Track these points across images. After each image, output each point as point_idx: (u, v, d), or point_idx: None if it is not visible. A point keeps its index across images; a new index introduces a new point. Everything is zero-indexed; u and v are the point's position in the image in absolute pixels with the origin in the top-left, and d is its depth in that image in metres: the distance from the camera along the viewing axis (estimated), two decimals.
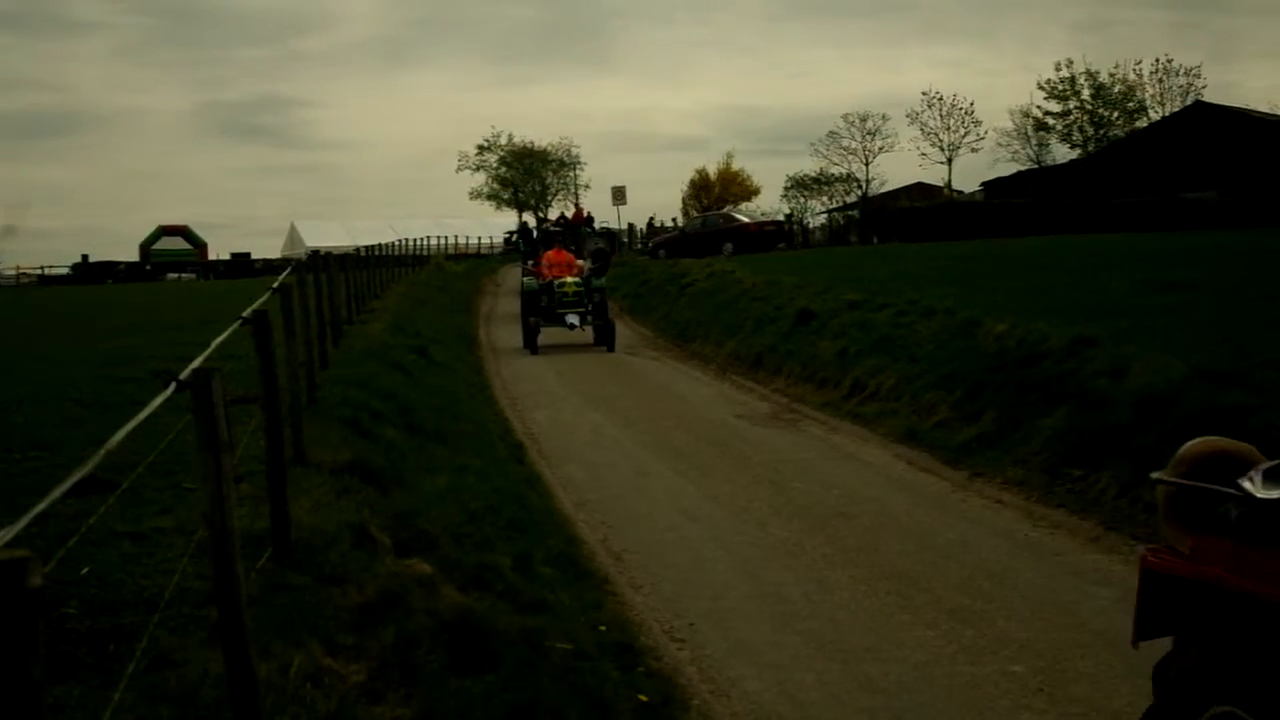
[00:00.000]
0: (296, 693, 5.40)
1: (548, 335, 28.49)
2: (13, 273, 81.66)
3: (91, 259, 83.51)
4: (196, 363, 5.08)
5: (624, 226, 69.58)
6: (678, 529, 11.80)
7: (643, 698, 7.32)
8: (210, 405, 4.78)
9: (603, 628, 8.61)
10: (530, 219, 67.35)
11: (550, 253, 31.24)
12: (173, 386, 4.80)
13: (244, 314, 7.83)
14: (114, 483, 7.89)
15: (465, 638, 6.93)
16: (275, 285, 11.38)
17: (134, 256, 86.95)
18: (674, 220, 77.47)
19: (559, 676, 6.92)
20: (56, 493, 3.30)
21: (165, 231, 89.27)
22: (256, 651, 5.08)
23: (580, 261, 31.22)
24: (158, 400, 4.74)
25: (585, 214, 50.35)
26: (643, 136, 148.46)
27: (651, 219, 76.46)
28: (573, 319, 28.54)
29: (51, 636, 5.99)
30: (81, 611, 6.44)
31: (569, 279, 29.26)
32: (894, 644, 8.40)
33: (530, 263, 33.22)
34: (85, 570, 7.10)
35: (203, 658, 5.70)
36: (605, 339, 28.09)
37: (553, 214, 57.32)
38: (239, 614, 4.87)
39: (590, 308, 28.84)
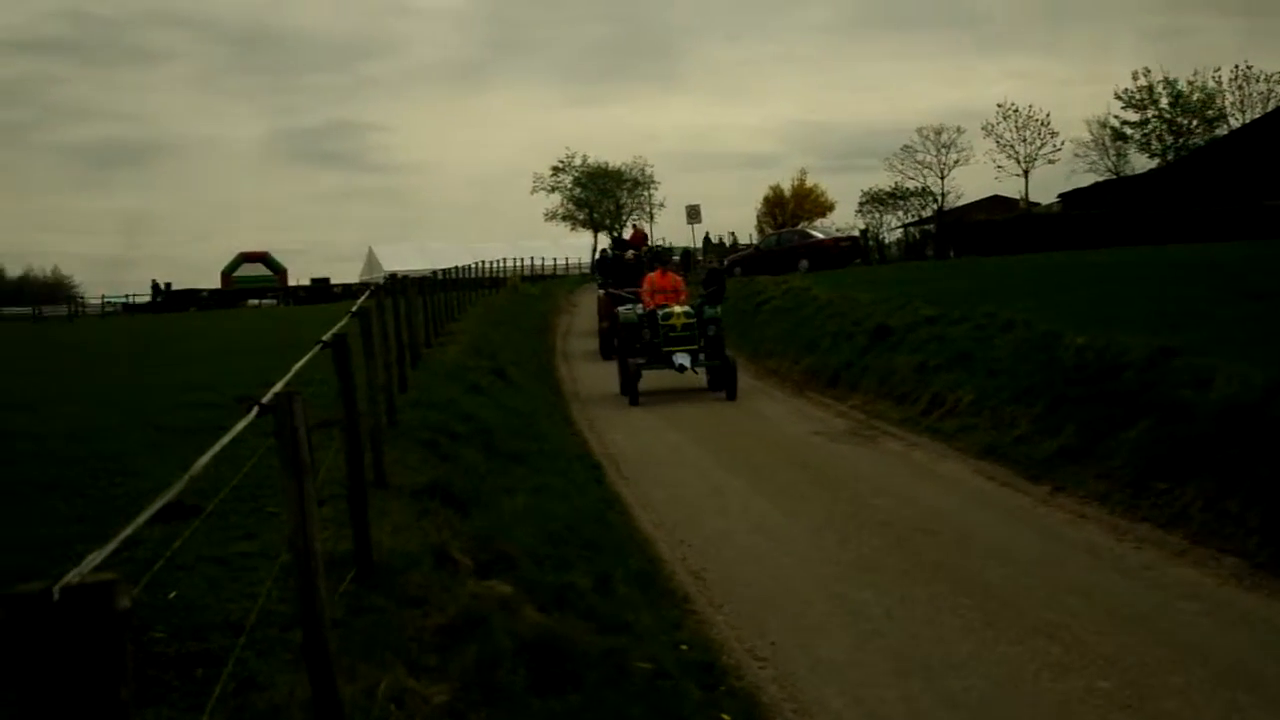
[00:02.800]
0: (381, 714, 5.43)
1: (648, 379, 23.41)
2: (98, 301, 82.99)
3: (175, 286, 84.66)
4: (278, 387, 5.13)
5: (698, 245, 69.55)
6: (757, 547, 11.76)
7: (725, 717, 7.30)
8: (293, 429, 4.84)
9: (684, 647, 8.59)
10: (606, 240, 67.12)
11: (654, 274, 25.93)
12: (255, 410, 4.87)
13: (324, 338, 7.90)
14: (199, 508, 8.00)
15: (546, 658, 6.95)
16: (354, 309, 11.48)
17: (215, 283, 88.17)
18: (750, 238, 77.36)
19: (640, 696, 6.91)
20: (143, 517, 3.35)
21: (246, 258, 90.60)
22: (341, 673, 5.13)
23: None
24: (241, 424, 4.80)
25: (642, 233, 49.00)
26: (714, 155, 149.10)
27: (708, 236, 75.40)
28: (683, 359, 23.07)
29: (139, 660, 6.07)
30: (168, 635, 6.52)
31: (677, 308, 23.74)
32: (977, 660, 8.32)
33: (622, 290, 29.54)
34: (172, 595, 7.20)
35: (288, 680, 5.75)
36: (724, 383, 22.70)
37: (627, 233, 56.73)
38: (323, 636, 4.92)
39: (703, 344, 23.43)
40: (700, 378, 23.59)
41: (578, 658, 7.10)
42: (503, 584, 8.36)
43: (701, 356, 23.24)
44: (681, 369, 23.01)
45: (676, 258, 30.03)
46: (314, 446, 8.66)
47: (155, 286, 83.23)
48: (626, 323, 24.67)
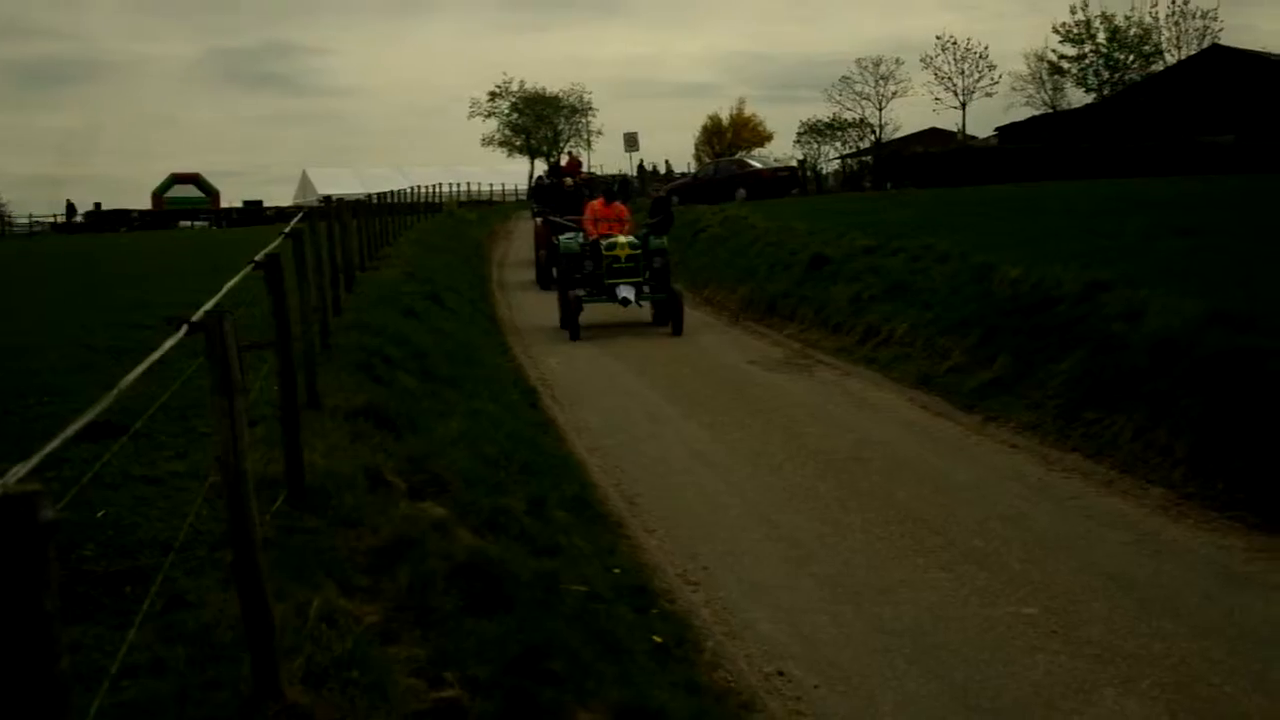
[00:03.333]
0: (312, 633, 5.41)
1: (589, 312, 22.08)
2: (26, 221, 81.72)
3: (106, 206, 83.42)
4: (209, 305, 5.06)
5: (634, 173, 69.21)
6: (691, 473, 11.81)
7: (657, 639, 7.35)
8: (223, 347, 4.77)
9: (617, 571, 8.63)
10: (543, 167, 66.12)
11: (595, 203, 24.58)
12: (184, 329, 4.79)
13: (255, 258, 7.80)
14: (129, 427, 7.93)
15: (479, 580, 6.94)
16: (287, 230, 11.34)
17: (147, 204, 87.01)
18: (688, 166, 77.16)
19: (573, 618, 6.93)
20: (69, 431, 3.30)
21: (177, 180, 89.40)
22: (272, 593, 5.09)
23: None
24: (170, 342, 4.73)
25: (577, 161, 47.68)
26: (653, 83, 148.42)
27: (641, 164, 74.22)
28: (626, 291, 21.77)
29: (68, 578, 6.02)
30: (98, 554, 6.47)
31: (621, 238, 22.41)
32: (908, 586, 8.41)
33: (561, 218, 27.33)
34: (101, 513, 7.13)
35: (218, 599, 5.72)
36: (669, 316, 21.64)
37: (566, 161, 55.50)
38: (254, 555, 4.88)
39: (648, 276, 22.24)
40: (644, 311, 22.60)
41: (510, 580, 7.10)
42: (436, 506, 8.34)
43: (646, 289, 22.10)
44: (625, 302, 21.78)
45: (615, 186, 28.39)
46: (246, 368, 8.59)
47: (70, 207, 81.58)
48: (567, 252, 23.08)
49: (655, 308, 22.37)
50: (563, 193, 32.95)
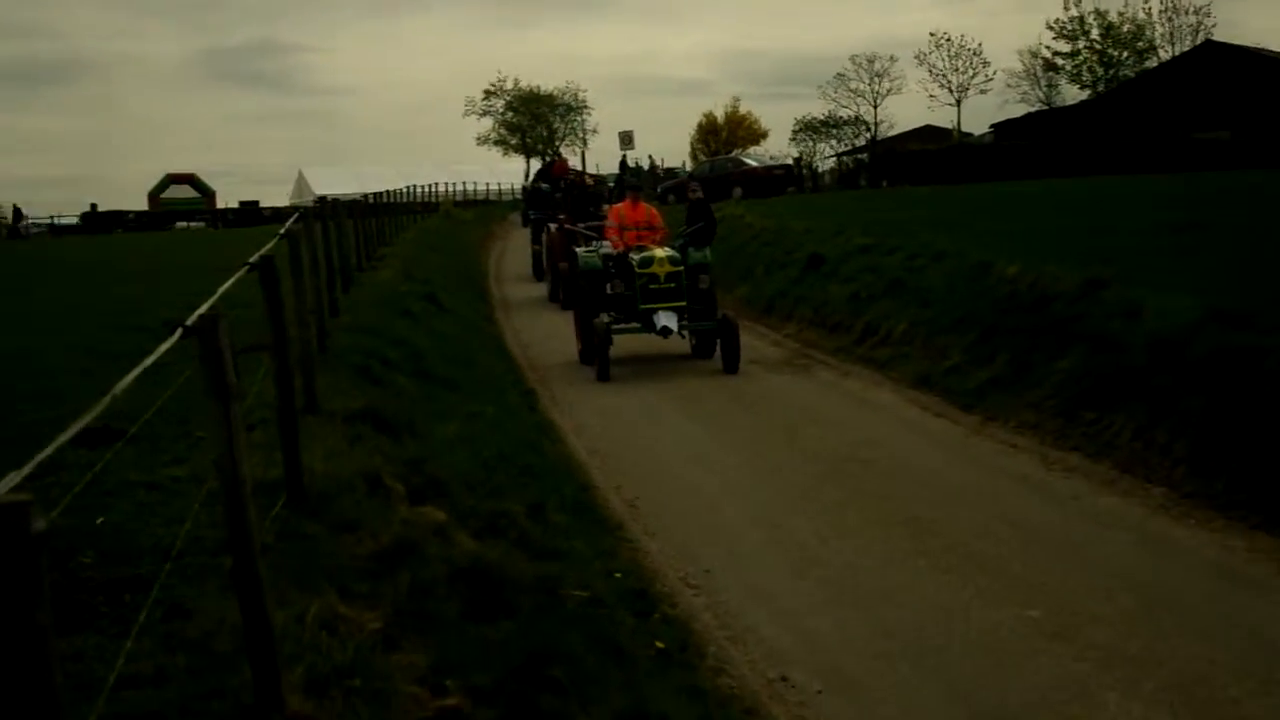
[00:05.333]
0: (312, 640, 5.37)
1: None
2: (25, 222, 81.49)
3: (100, 208, 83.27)
4: (203, 309, 5.02)
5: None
6: (691, 476, 11.78)
7: (659, 644, 7.32)
8: (217, 351, 4.74)
9: (618, 575, 8.60)
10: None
11: (620, 205, 20.02)
12: (179, 333, 4.76)
13: (250, 260, 7.76)
14: (127, 432, 7.89)
15: (480, 585, 6.91)
16: (283, 231, 11.30)
17: (143, 205, 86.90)
18: (684, 164, 77.07)
19: (574, 623, 6.90)
20: (62, 438, 3.27)
21: (173, 180, 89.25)
22: (272, 599, 5.06)
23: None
24: (164, 346, 4.70)
25: (566, 163, 41.96)
26: (646, 80, 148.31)
27: (624, 160, 71.05)
28: (667, 320, 17.57)
29: (67, 586, 5.98)
30: (97, 561, 6.43)
31: (659, 251, 18.11)
32: (909, 589, 8.38)
33: (550, 227, 24.95)
34: (100, 520, 7.09)
35: (218, 606, 5.68)
36: (722, 350, 17.44)
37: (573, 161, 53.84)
38: (253, 561, 4.85)
39: (691, 299, 17.95)
40: (683, 341, 18.61)
41: (511, 585, 7.07)
42: (436, 510, 8.30)
43: (684, 317, 17.84)
44: (666, 333, 17.58)
45: (611, 184, 26.66)
46: (243, 371, 8.54)
47: (17, 212, 79.82)
48: (588, 270, 18.89)
49: (698, 338, 18.50)
50: (574, 194, 28.70)
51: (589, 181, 32.25)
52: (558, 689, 5.81)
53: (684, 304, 17.74)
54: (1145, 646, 7.23)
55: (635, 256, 18.04)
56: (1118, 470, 10.93)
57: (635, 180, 27.00)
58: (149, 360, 4.55)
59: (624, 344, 17.84)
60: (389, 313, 17.40)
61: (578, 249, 20.16)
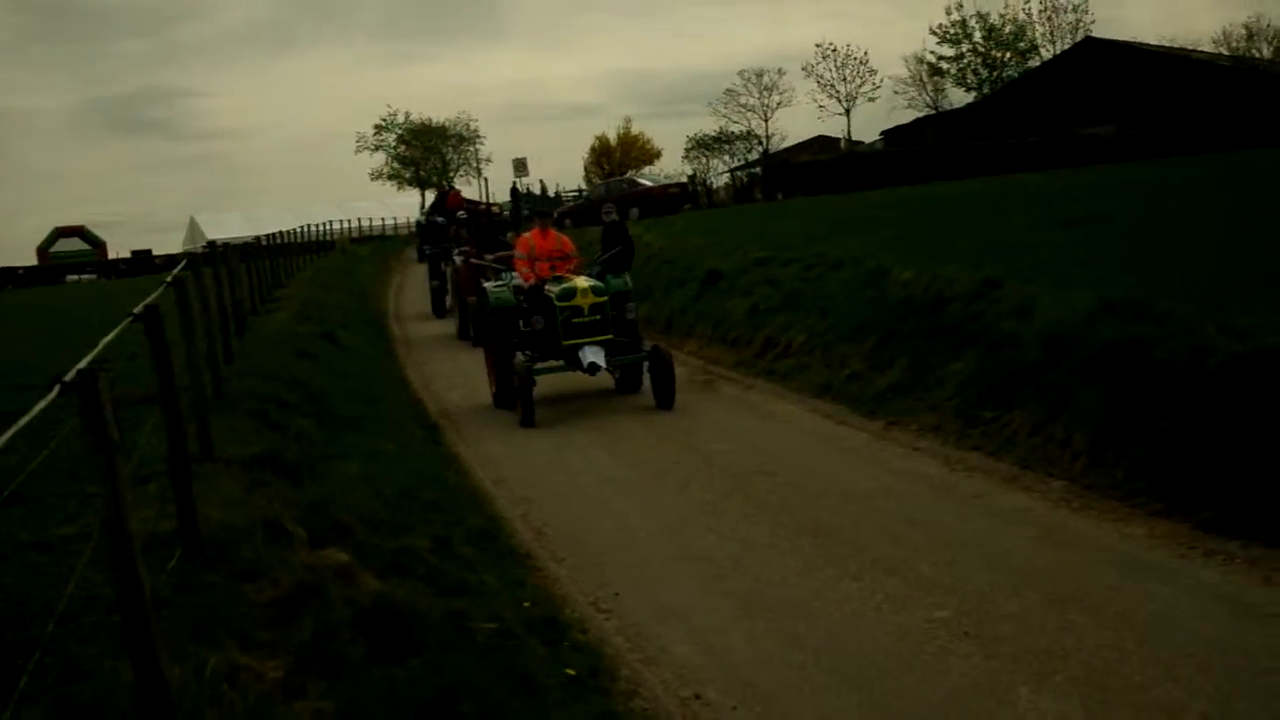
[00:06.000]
0: (213, 694, 5.26)
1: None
2: None
3: None
4: (83, 363, 4.91)
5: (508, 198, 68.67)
6: (598, 498, 11.74)
7: (570, 671, 7.25)
8: (98, 405, 4.64)
9: (527, 604, 8.52)
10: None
11: (529, 234, 18.55)
12: (57, 389, 4.65)
13: (134, 310, 7.62)
14: (18, 495, 7.71)
15: (386, 625, 6.82)
16: (169, 279, 11.13)
17: (32, 260, 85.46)
18: (579, 189, 77.11)
19: (484, 657, 6.82)
20: None
21: (61, 233, 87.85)
22: (168, 654, 4.95)
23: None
24: (41, 404, 4.60)
25: (459, 196, 41.47)
26: (537, 106, 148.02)
27: (514, 186, 69.21)
28: (594, 355, 16.25)
29: None
30: None
31: (580, 281, 16.86)
32: (820, 599, 8.39)
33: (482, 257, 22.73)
34: None
35: (113, 665, 5.55)
36: (656, 384, 16.15)
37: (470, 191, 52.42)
38: (145, 617, 4.74)
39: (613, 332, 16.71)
40: (607, 377, 17.28)
41: (418, 622, 6.98)
42: (339, 552, 8.18)
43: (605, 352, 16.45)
44: (594, 370, 16.28)
45: (527, 212, 25.39)
46: (138, 422, 8.40)
47: None
48: (499, 305, 17.44)
49: (624, 371, 17.14)
50: (479, 224, 28.08)
51: (494, 210, 31.19)
52: None
53: (610, 337, 16.46)
54: (1053, 640, 7.28)
55: (554, 289, 16.67)
56: (1019, 467, 11.03)
57: (539, 207, 26.47)
58: (24, 420, 4.45)
59: (543, 382, 16.54)
60: (286, 355, 17.21)
61: (486, 283, 18.68)
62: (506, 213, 33.65)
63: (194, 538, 7.43)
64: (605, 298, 16.62)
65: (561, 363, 16.53)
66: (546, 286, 16.88)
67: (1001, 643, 7.31)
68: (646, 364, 16.35)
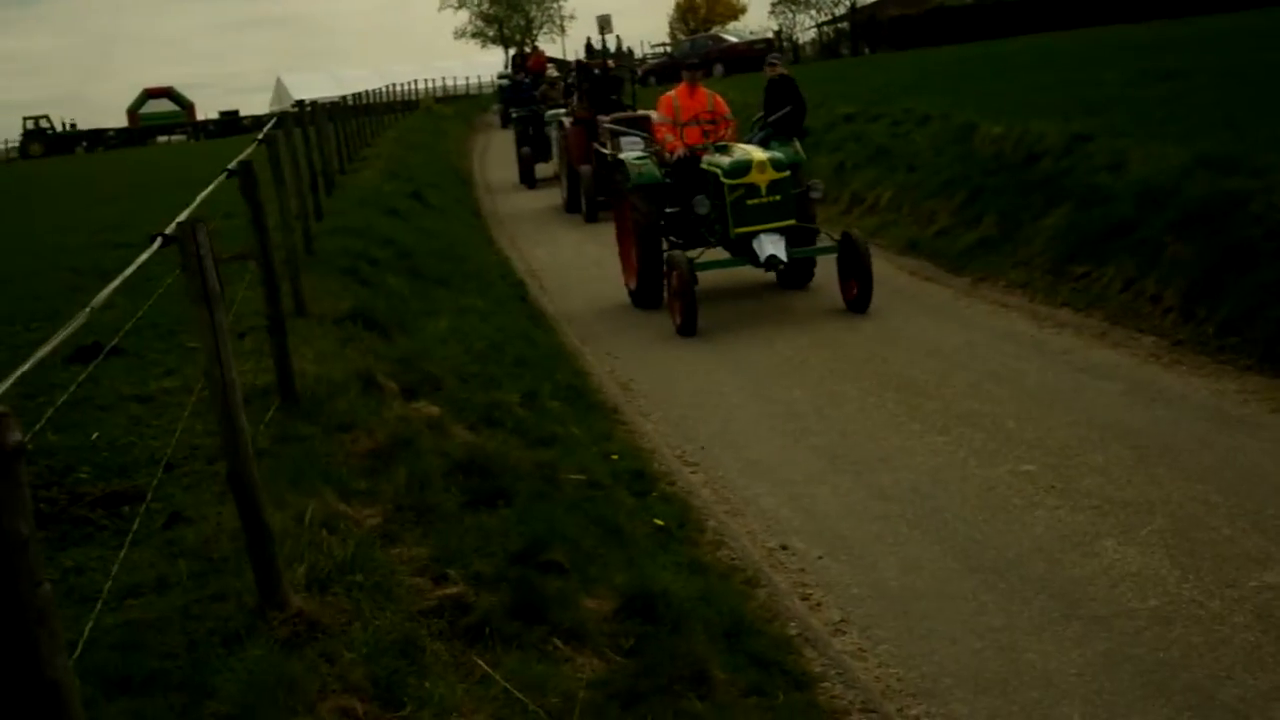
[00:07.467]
0: (312, 540, 5.41)
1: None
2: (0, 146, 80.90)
3: (80, 126, 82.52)
4: (182, 217, 4.99)
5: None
6: (683, 354, 11.79)
7: (658, 522, 7.38)
8: (199, 258, 4.72)
9: (615, 457, 8.64)
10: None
11: (676, 92, 14.85)
12: (159, 242, 4.74)
13: (229, 166, 7.72)
14: (120, 349, 7.90)
15: (477, 475, 6.95)
16: (260, 137, 11.23)
17: (122, 122, 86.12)
18: (664, 46, 76.22)
19: (573, 507, 6.95)
20: (41, 352, 3.27)
21: (150, 95, 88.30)
22: (269, 502, 5.10)
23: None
24: (142, 257, 4.69)
25: (543, 57, 40.96)
26: None
27: (589, 44, 66.16)
28: (773, 246, 12.82)
29: (66, 502, 6.03)
30: (94, 475, 6.47)
31: (756, 152, 13.32)
32: (905, 452, 8.44)
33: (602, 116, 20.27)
34: (95, 435, 7.13)
35: (216, 512, 5.74)
36: (841, 282, 13.00)
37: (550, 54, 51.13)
38: (248, 466, 4.87)
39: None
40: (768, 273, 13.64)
41: (508, 473, 7.10)
42: (430, 405, 8.34)
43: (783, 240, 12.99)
44: (772, 265, 12.91)
45: (616, 63, 21.97)
46: (231, 279, 8.55)
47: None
48: (643, 184, 13.89)
49: (792, 264, 13.27)
50: (592, 80, 23.83)
51: (610, 64, 27.07)
52: (559, 571, 5.87)
53: (793, 222, 13.15)
54: (1140, 492, 7.29)
55: (719, 160, 13.31)
56: (1108, 323, 10.96)
57: (684, 58, 23.10)
58: (128, 271, 4.54)
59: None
60: (374, 212, 17.34)
61: (623, 156, 14.99)
62: (630, 67, 31.21)
63: (290, 391, 7.59)
64: (787, 173, 13.18)
65: (728, 255, 13.54)
66: (706, 158, 13.74)
67: (1088, 496, 7.33)
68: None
